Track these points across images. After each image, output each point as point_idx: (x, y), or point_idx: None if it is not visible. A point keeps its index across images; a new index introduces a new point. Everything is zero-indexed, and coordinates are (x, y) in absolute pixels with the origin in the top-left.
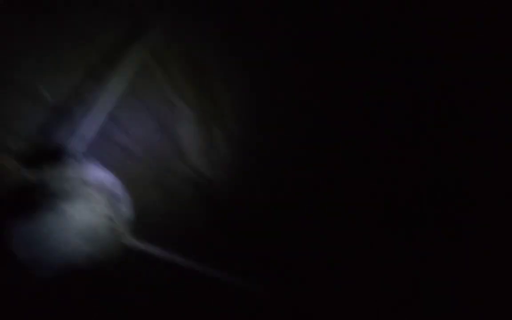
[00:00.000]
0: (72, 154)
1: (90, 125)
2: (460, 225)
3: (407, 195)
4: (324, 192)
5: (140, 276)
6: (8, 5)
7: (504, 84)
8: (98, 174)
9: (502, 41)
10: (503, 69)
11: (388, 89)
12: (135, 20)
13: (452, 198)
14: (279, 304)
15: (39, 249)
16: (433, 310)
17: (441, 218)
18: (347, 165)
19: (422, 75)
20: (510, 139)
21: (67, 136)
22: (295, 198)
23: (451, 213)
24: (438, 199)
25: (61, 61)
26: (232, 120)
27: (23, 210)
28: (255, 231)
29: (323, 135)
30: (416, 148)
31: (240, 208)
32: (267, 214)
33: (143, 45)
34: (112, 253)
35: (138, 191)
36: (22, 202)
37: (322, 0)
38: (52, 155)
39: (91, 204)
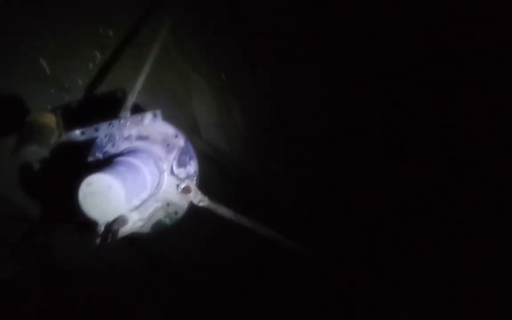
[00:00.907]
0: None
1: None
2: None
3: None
4: (341, 170)
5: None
6: None
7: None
8: (161, 129)
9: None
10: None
11: (390, 88)
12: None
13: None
14: None
15: (98, 211)
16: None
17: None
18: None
19: (423, 75)
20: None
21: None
22: (313, 174)
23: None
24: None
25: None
26: (248, 92)
27: (84, 168)
28: (270, 206)
29: (343, 113)
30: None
31: (256, 181)
32: (284, 188)
33: (161, 22)
34: (179, 210)
35: None
36: (83, 160)
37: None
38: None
39: (154, 160)
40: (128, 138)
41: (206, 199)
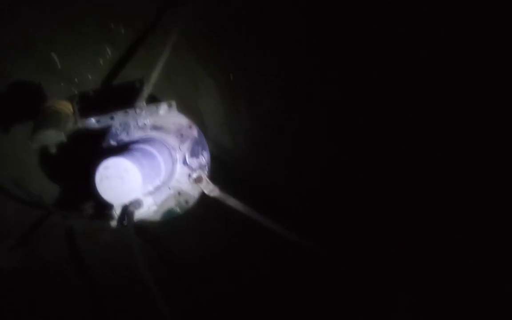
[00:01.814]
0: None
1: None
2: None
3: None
4: (347, 171)
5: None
6: None
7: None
8: (175, 119)
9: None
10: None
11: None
12: None
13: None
14: None
15: (114, 194)
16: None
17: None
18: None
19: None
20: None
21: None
22: (318, 173)
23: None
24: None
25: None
26: (257, 93)
27: (99, 154)
28: (277, 205)
29: (344, 112)
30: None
31: (262, 182)
32: (292, 188)
33: (174, 21)
34: (190, 200)
35: None
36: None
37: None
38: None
39: (168, 149)
40: (142, 127)
41: (217, 189)
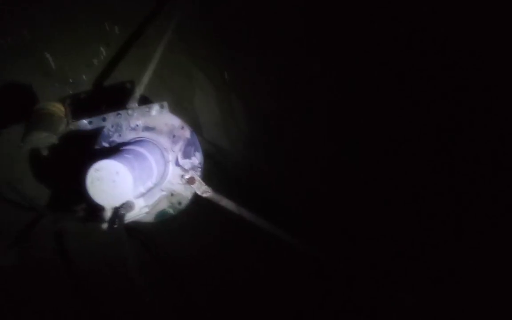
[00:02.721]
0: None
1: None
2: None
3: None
4: (347, 171)
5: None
6: None
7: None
8: (168, 120)
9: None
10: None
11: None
12: None
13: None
14: None
15: (105, 196)
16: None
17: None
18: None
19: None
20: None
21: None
22: (315, 172)
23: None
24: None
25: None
26: (251, 91)
27: (91, 156)
28: (272, 205)
29: (344, 112)
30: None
31: (258, 181)
32: (287, 188)
33: (168, 20)
34: (183, 201)
35: None
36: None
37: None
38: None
39: (160, 150)
40: (135, 128)
41: (210, 190)
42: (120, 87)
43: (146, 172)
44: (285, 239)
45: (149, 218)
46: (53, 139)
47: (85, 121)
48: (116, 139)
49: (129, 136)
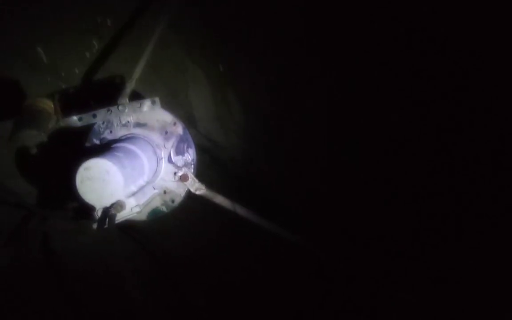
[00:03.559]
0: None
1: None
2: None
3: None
4: (347, 171)
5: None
6: None
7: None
8: (159, 116)
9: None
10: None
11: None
12: None
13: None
14: None
15: (95, 196)
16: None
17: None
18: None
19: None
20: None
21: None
22: (310, 167)
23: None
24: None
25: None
26: (248, 86)
27: (81, 154)
28: (267, 200)
29: (341, 108)
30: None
31: (258, 181)
32: (282, 182)
33: (160, 12)
34: (176, 198)
35: None
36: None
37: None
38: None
39: (152, 147)
40: (126, 124)
41: (203, 187)
42: (112, 82)
43: (138, 170)
44: (285, 238)
45: (142, 217)
46: (42, 137)
47: (75, 118)
48: (107, 136)
49: (120, 132)
